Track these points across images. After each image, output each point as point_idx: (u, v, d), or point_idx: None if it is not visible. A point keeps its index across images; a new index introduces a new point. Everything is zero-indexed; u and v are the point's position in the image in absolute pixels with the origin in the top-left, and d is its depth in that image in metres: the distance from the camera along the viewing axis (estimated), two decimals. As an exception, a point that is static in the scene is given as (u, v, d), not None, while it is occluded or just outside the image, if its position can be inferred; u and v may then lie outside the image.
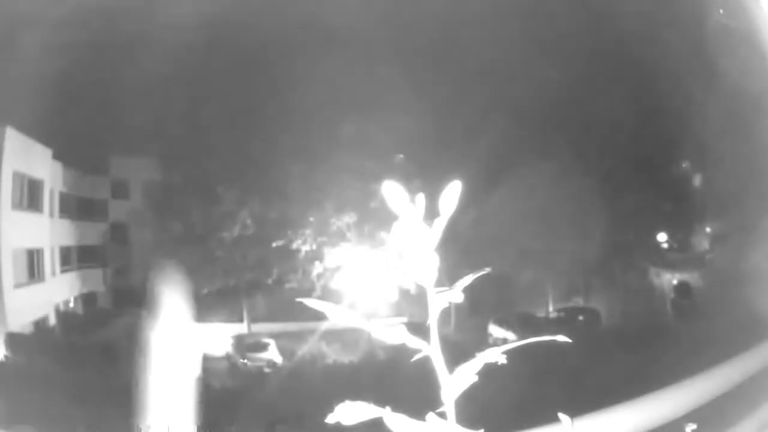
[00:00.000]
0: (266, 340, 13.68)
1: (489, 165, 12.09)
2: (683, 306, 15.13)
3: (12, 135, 11.15)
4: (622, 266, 15.48)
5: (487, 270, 1.52)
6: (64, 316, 12.86)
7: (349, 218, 13.75)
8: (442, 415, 1.49)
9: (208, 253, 13.76)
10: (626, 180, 14.32)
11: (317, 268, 13.97)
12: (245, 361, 13.36)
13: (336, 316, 1.49)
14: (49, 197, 12.57)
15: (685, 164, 15.55)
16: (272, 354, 13.34)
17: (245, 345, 13.77)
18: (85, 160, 13.12)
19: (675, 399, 5.73)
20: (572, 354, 8.86)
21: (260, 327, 14.39)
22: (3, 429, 5.96)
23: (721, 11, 8.61)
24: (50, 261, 12.58)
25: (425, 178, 9.31)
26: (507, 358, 1.48)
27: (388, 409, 1.46)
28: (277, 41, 12.07)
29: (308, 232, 13.86)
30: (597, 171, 13.90)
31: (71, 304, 13.27)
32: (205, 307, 13.71)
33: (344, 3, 11.90)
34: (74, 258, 13.42)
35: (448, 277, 1.51)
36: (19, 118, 10.78)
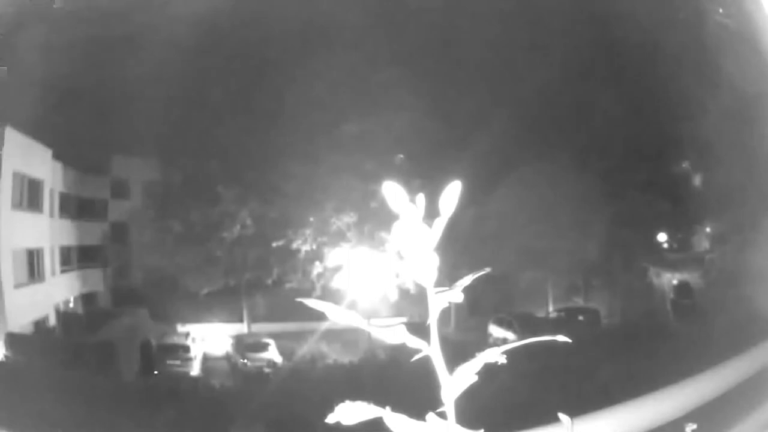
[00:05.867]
0: (266, 340, 13.68)
1: (489, 165, 12.09)
2: (683, 306, 15.12)
3: (12, 135, 11.13)
4: (622, 266, 15.47)
5: (487, 270, 1.52)
6: (64, 316, 12.85)
7: (349, 218, 13.75)
8: (442, 415, 1.49)
9: (208, 253, 13.76)
10: (626, 179, 14.32)
11: (317, 268, 13.97)
12: (245, 361, 13.36)
13: (336, 316, 1.49)
14: (49, 197, 12.56)
15: (685, 164, 15.54)
16: (272, 354, 13.35)
17: (245, 345, 13.77)
18: (85, 160, 13.11)
19: (675, 399, 5.72)
20: (572, 354, 8.85)
21: (260, 327, 14.39)
22: (4, 430, 5.95)
23: (721, 11, 8.61)
24: (50, 261, 12.57)
25: (425, 178, 9.31)
26: (507, 358, 1.48)
27: (388, 409, 1.46)
28: (277, 40, 12.07)
29: (308, 232, 13.86)
30: (597, 171, 13.90)
31: (71, 304, 13.26)
32: (205, 307, 13.74)
33: (344, 2, 11.90)
34: (74, 258, 13.41)
35: (448, 277, 1.51)
36: (19, 118, 10.77)
